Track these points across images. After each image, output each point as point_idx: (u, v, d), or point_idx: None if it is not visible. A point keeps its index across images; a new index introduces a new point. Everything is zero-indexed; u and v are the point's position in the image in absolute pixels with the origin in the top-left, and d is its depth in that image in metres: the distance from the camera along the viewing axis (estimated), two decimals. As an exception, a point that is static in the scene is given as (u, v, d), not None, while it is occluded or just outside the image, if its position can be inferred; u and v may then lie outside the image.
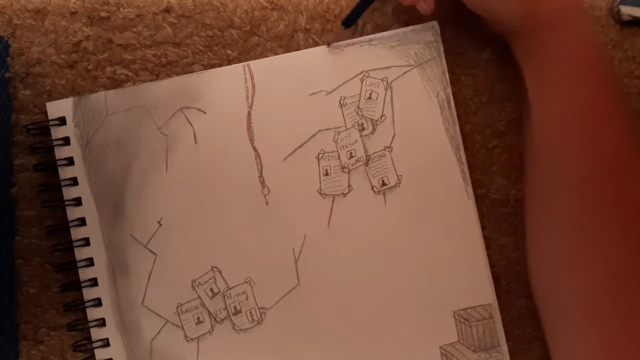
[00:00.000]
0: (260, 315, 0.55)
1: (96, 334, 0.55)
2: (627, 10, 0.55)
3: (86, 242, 0.55)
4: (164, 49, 0.57)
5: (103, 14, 0.57)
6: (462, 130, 0.55)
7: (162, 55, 0.57)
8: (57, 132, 0.55)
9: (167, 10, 0.57)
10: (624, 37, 0.56)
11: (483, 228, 0.55)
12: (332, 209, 0.55)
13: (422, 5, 0.51)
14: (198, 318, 0.55)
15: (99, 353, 0.55)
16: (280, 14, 0.56)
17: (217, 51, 0.56)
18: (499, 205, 0.56)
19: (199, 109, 0.55)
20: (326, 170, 0.55)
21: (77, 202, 0.55)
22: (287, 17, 0.56)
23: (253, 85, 0.55)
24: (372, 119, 0.55)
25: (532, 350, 0.55)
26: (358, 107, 0.55)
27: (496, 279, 0.55)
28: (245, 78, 0.55)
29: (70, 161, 0.55)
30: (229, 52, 0.56)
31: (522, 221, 0.54)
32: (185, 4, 0.56)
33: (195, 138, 0.55)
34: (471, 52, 0.56)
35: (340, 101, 0.55)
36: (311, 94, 0.55)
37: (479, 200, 0.55)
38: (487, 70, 0.56)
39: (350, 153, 0.55)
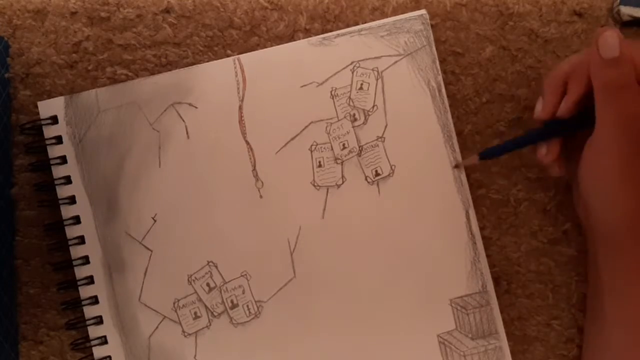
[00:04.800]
0: (257, 308, 0.52)
1: (94, 331, 0.52)
2: (627, 11, 0.52)
3: (81, 240, 0.52)
4: (164, 49, 0.54)
5: (103, 14, 0.54)
6: (462, 131, 0.53)
7: (162, 55, 0.54)
8: (50, 131, 0.53)
9: (167, 11, 0.54)
10: (624, 37, 0.52)
11: (483, 228, 0.52)
12: (326, 200, 0.52)
13: (555, 169, 0.49)
14: (195, 313, 0.52)
15: (97, 351, 0.52)
16: (280, 14, 0.54)
17: (217, 51, 0.54)
18: (499, 205, 0.53)
19: (190, 104, 0.52)
20: (319, 162, 0.52)
21: (71, 200, 0.52)
22: (287, 17, 0.54)
23: (244, 79, 0.52)
24: (363, 110, 0.52)
25: (532, 350, 0.52)
26: (349, 97, 0.52)
27: (496, 279, 0.52)
28: (236, 71, 0.52)
29: (63, 160, 0.52)
30: (229, 52, 0.54)
31: (523, 221, 0.52)
32: (185, 4, 0.54)
33: (187, 133, 0.52)
34: (471, 52, 0.53)
35: (331, 92, 0.52)
36: (302, 86, 0.52)
37: (479, 201, 0.53)
38: (487, 70, 0.53)
39: (343, 144, 0.52)
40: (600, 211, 0.46)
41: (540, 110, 0.47)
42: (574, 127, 0.47)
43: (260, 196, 0.52)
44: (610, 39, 0.42)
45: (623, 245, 0.45)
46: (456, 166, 0.51)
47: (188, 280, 0.52)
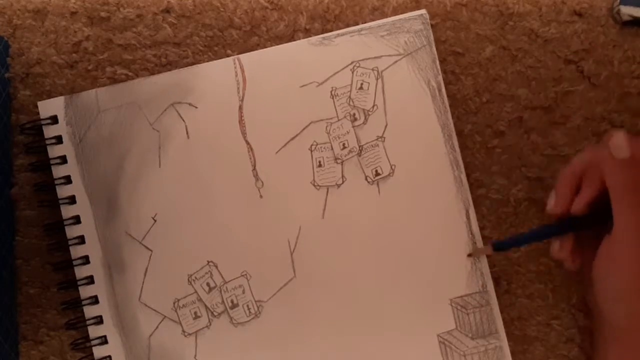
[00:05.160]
0: (258, 308, 0.52)
1: (94, 331, 0.52)
2: (627, 10, 0.52)
3: (81, 240, 0.52)
4: (164, 49, 0.54)
5: (103, 14, 0.54)
6: (462, 131, 0.53)
7: (162, 55, 0.54)
8: (50, 131, 0.53)
9: (167, 10, 0.54)
10: (624, 37, 0.53)
11: (483, 228, 0.52)
12: (326, 200, 0.52)
13: (569, 263, 0.49)
14: (195, 313, 0.52)
15: (97, 351, 0.52)
16: (280, 14, 0.54)
17: (217, 51, 0.54)
18: (499, 205, 0.53)
19: (190, 104, 0.52)
20: (319, 162, 0.52)
21: (72, 200, 0.52)
22: (287, 17, 0.54)
23: (244, 79, 0.52)
24: (363, 109, 0.52)
25: (532, 350, 0.52)
26: (349, 97, 0.52)
27: (496, 279, 0.52)
28: (236, 71, 0.52)
29: (63, 160, 0.52)
30: (229, 52, 0.53)
31: (523, 221, 0.52)
32: (185, 4, 0.54)
33: (187, 133, 0.52)
34: (471, 52, 0.53)
35: (331, 92, 0.52)
36: (302, 86, 0.52)
37: (479, 200, 0.53)
38: (487, 70, 0.53)
39: (343, 144, 0.52)
40: (613, 309, 0.46)
41: (553, 204, 0.47)
42: (588, 224, 0.47)
43: (260, 196, 0.52)
44: (620, 141, 0.42)
45: (632, 339, 0.45)
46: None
47: (188, 280, 0.51)
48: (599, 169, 0.44)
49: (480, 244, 0.51)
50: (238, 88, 0.52)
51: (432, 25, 0.52)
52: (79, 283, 0.52)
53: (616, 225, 0.43)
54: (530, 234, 0.50)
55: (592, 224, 0.47)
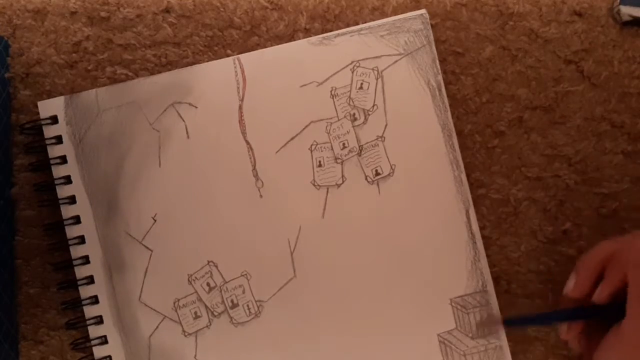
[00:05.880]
0: (258, 308, 0.52)
1: (94, 331, 0.52)
2: (627, 10, 0.52)
3: (81, 240, 0.52)
4: (164, 49, 0.54)
5: (103, 14, 0.54)
6: (462, 131, 0.53)
7: (162, 55, 0.54)
8: (50, 131, 0.53)
9: (167, 10, 0.54)
10: (624, 37, 0.53)
11: (483, 228, 0.52)
12: (326, 200, 0.52)
13: (574, 345, 0.48)
14: (195, 313, 0.52)
15: (98, 351, 0.52)
16: (280, 14, 0.54)
17: (217, 51, 0.54)
18: (499, 205, 0.53)
19: (190, 104, 0.52)
20: (319, 162, 0.52)
21: (71, 200, 0.52)
22: (287, 17, 0.54)
23: (244, 79, 0.52)
24: (363, 109, 0.52)
25: (532, 350, 0.52)
26: (349, 97, 0.52)
27: (496, 279, 0.52)
28: (236, 71, 0.52)
29: (63, 159, 0.52)
30: (228, 52, 0.54)
31: (523, 221, 0.52)
32: (185, 4, 0.54)
33: (187, 133, 0.52)
34: (471, 52, 0.53)
35: (331, 92, 0.52)
36: (302, 86, 0.52)
37: (479, 200, 0.53)
38: (487, 70, 0.53)
39: (343, 144, 0.52)
40: None
41: (572, 288, 0.46)
42: (604, 314, 0.45)
43: (261, 196, 0.52)
44: None
45: None
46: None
47: (188, 280, 0.51)
48: (625, 260, 0.43)
49: (480, 243, 0.51)
50: (238, 88, 0.52)
51: (432, 25, 0.52)
52: (79, 283, 0.52)
53: (627, 321, 0.42)
54: (544, 316, 0.50)
55: (607, 314, 0.45)
